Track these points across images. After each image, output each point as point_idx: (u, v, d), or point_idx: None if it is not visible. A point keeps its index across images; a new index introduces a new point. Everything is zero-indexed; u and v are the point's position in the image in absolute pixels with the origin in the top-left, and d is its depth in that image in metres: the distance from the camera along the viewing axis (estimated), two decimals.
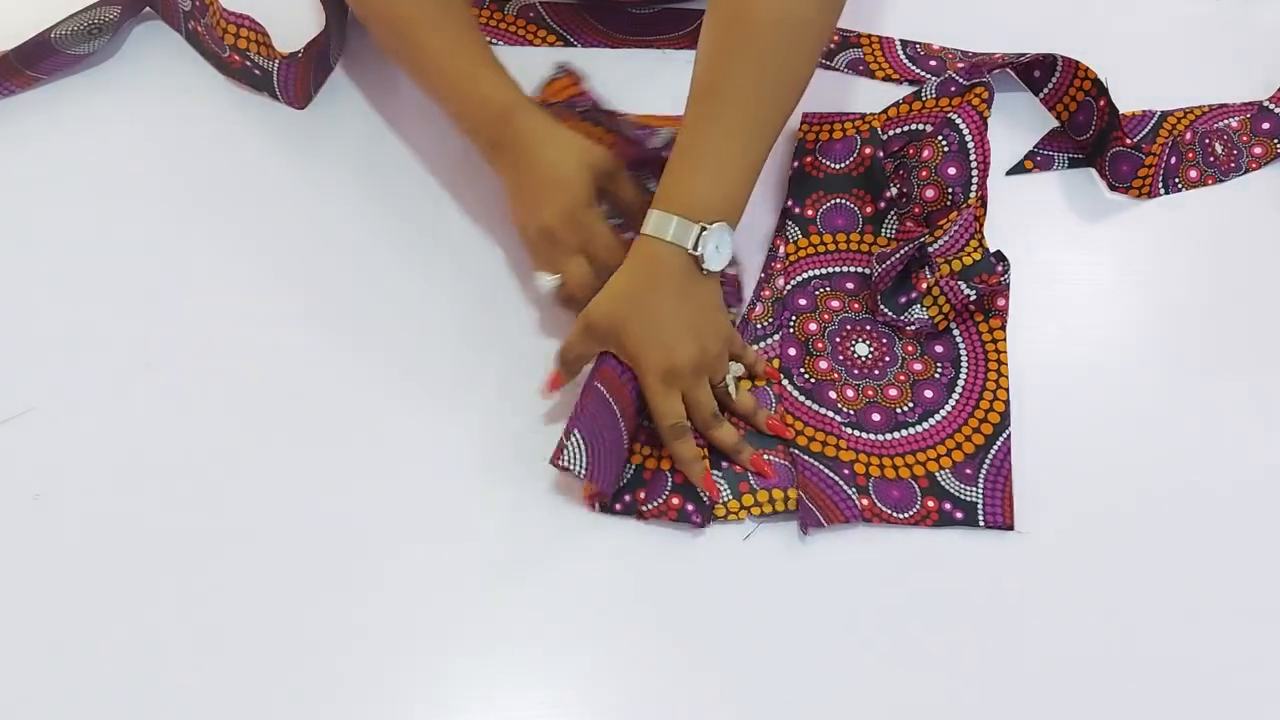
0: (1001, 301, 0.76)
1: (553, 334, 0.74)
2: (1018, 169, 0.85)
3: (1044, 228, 0.83)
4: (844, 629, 0.65)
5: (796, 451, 0.70)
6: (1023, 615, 0.67)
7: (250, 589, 0.65)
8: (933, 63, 0.90)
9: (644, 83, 0.87)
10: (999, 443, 0.71)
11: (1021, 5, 0.94)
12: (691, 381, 0.68)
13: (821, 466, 0.69)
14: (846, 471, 0.69)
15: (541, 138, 0.70)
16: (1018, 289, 0.80)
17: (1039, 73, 0.88)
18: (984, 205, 0.79)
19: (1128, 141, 0.83)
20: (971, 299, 0.74)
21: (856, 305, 0.76)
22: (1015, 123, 0.87)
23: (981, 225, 0.78)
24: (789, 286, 0.77)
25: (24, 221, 0.77)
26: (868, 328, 0.75)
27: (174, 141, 0.81)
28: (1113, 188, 0.85)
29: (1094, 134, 0.85)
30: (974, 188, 0.78)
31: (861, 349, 0.74)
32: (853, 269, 0.78)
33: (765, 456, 0.69)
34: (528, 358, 0.73)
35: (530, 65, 0.81)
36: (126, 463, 0.68)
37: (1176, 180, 0.85)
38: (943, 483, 0.70)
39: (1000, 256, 0.76)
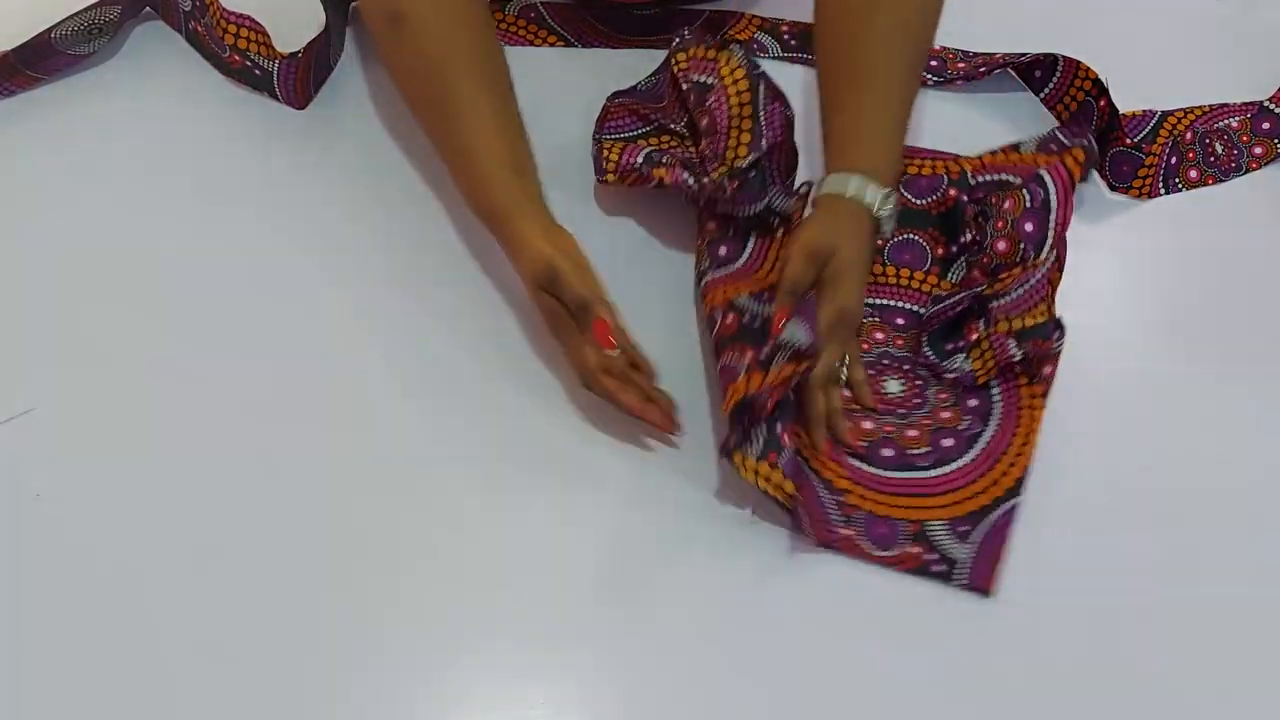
0: (1048, 369, 0.72)
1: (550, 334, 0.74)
2: None
3: None
4: (837, 640, 0.65)
5: (800, 460, 0.69)
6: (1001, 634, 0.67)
7: (251, 589, 0.65)
8: (934, 62, 0.90)
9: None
10: (1002, 509, 0.67)
11: (1022, 5, 0.94)
12: (847, 337, 0.69)
13: (817, 484, 0.69)
14: (838, 499, 0.68)
15: (511, 252, 0.71)
16: None
17: (1040, 73, 0.88)
18: (1060, 270, 0.76)
19: (1128, 141, 0.84)
20: (1016, 359, 0.71)
21: (900, 342, 0.75)
22: (1015, 123, 0.87)
23: (1054, 290, 0.75)
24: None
25: (24, 221, 0.77)
26: (905, 367, 0.74)
27: (174, 141, 0.81)
28: (1113, 188, 0.85)
29: (1094, 134, 0.85)
30: (1048, 247, 0.74)
31: (893, 386, 0.73)
32: (906, 305, 0.77)
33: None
34: (527, 357, 0.74)
35: (531, 65, 0.81)
36: (126, 463, 0.68)
37: (1176, 180, 0.85)
38: (930, 534, 0.67)
39: (1058, 324, 0.72)
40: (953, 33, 0.91)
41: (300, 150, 0.81)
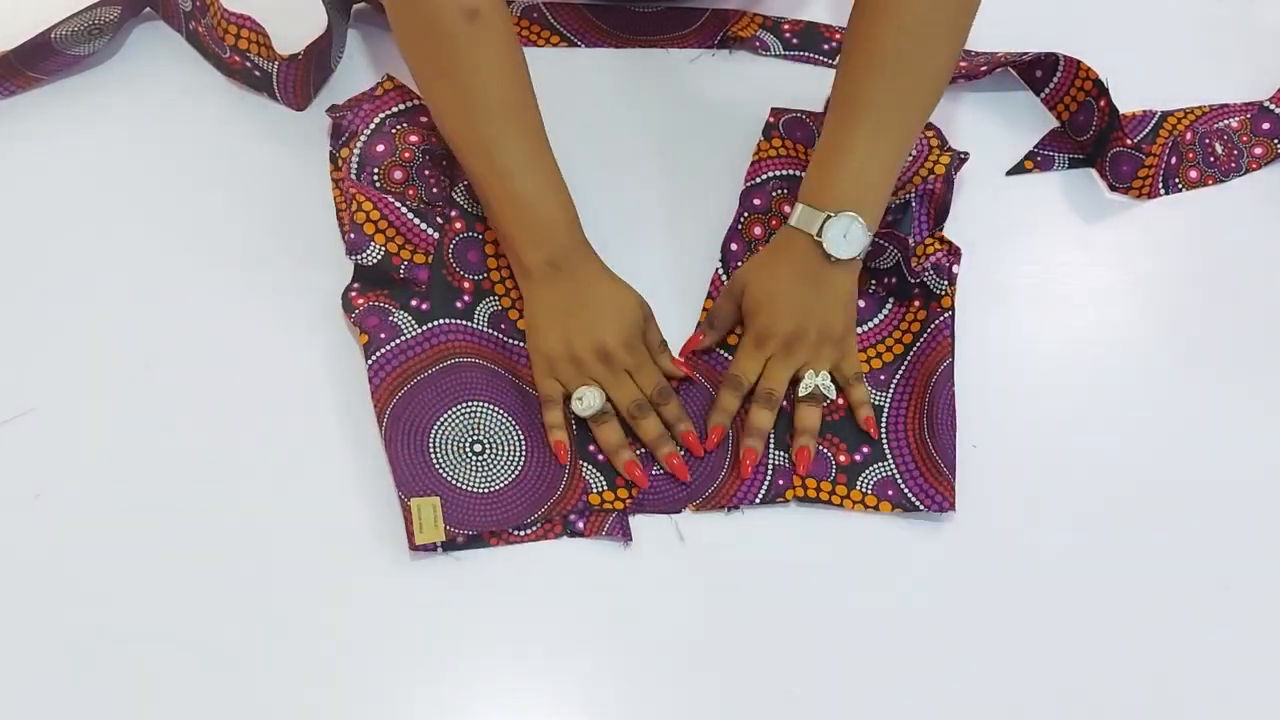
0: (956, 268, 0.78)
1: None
2: (1018, 169, 0.85)
3: (1044, 228, 0.83)
4: (836, 639, 0.65)
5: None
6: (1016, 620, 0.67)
7: (251, 588, 0.65)
8: None
9: (647, 82, 0.87)
10: (913, 351, 0.75)
11: (1023, 5, 0.94)
12: (779, 352, 0.72)
13: (724, 353, 0.75)
14: None
15: (603, 271, 0.73)
16: (1017, 288, 0.80)
17: (1040, 72, 0.88)
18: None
19: (1128, 141, 0.84)
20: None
21: None
22: (1015, 123, 0.87)
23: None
24: (748, 185, 0.81)
25: (24, 221, 0.77)
26: None
27: (174, 141, 0.81)
28: (1113, 188, 0.85)
29: (1094, 134, 0.85)
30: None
31: None
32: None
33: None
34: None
35: (534, 65, 0.80)
36: (126, 463, 0.68)
37: (1176, 180, 0.85)
38: None
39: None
40: None
41: (299, 151, 0.81)
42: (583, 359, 0.70)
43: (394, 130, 0.77)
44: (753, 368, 0.72)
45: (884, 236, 0.76)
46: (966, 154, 0.82)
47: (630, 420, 0.71)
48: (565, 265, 0.71)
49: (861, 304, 0.77)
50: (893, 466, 0.71)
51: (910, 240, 0.77)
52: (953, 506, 0.69)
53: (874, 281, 0.78)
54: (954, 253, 0.77)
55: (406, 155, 0.76)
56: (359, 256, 0.73)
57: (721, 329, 0.75)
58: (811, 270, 0.71)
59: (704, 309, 0.76)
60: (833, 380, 0.73)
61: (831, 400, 0.73)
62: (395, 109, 0.78)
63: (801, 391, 0.72)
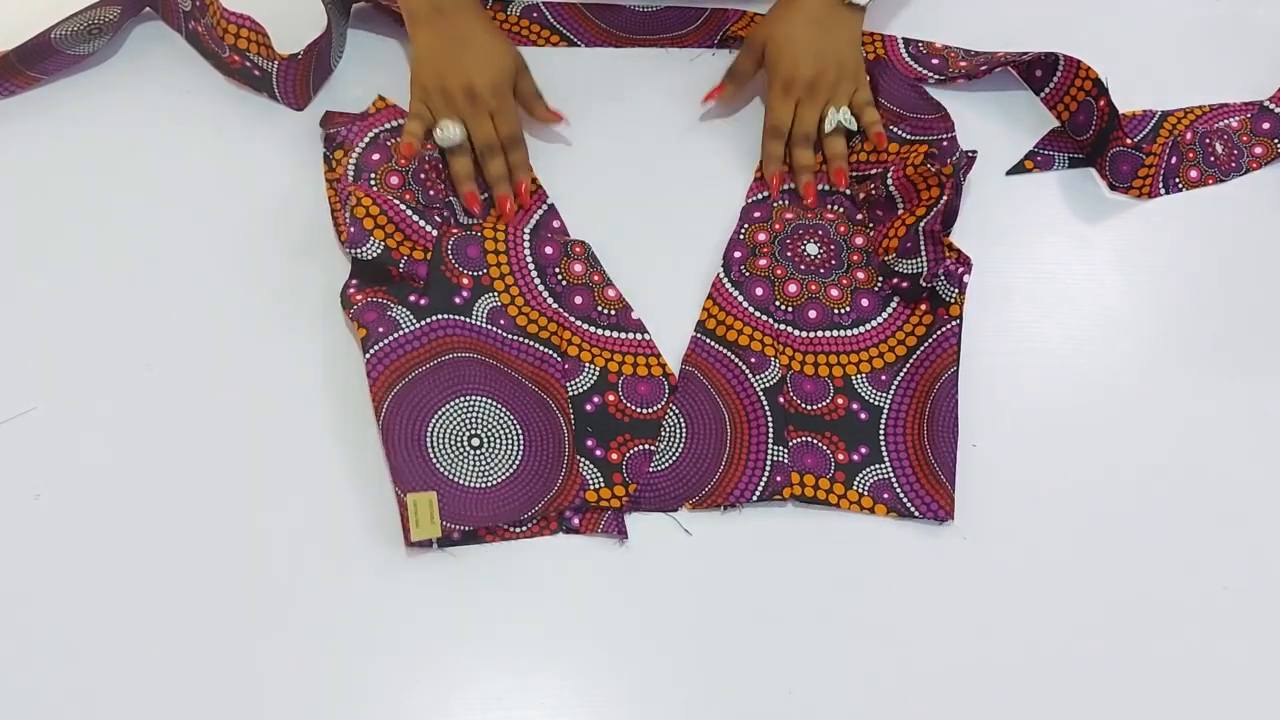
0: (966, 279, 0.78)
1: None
2: (1018, 169, 0.85)
3: (1044, 228, 0.83)
4: (839, 640, 0.66)
5: (699, 335, 0.75)
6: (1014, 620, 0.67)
7: (252, 587, 0.65)
8: (935, 61, 0.90)
9: (645, 81, 0.87)
10: (916, 354, 0.75)
11: (1023, 5, 0.94)
12: (805, 95, 0.81)
13: (724, 350, 0.75)
14: (754, 360, 0.74)
15: (482, 18, 0.79)
16: (1017, 288, 0.80)
17: (1040, 72, 0.88)
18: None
19: (1128, 141, 0.84)
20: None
21: (810, 215, 0.81)
22: (1015, 123, 0.87)
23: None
24: (749, 202, 0.82)
25: (24, 221, 0.77)
26: (819, 232, 0.80)
27: (174, 141, 0.81)
28: (1113, 188, 0.85)
29: (1094, 134, 0.85)
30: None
31: (811, 249, 0.79)
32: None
33: (641, 447, 0.71)
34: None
35: (534, 65, 0.81)
36: (126, 463, 0.68)
37: (1177, 180, 0.85)
38: (856, 386, 0.74)
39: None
40: (955, 31, 0.91)
41: (299, 151, 0.81)
42: (452, 94, 0.77)
43: (390, 143, 0.78)
44: (786, 113, 0.81)
45: (928, 243, 0.76)
46: (975, 153, 0.81)
47: (480, 157, 0.78)
48: (448, 9, 0.78)
49: (865, 302, 0.77)
50: (890, 469, 0.71)
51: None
52: (950, 516, 0.69)
53: (881, 279, 0.78)
54: (964, 261, 0.77)
55: (403, 162, 0.76)
56: (358, 251, 0.73)
57: (740, 81, 0.84)
58: (824, 14, 0.81)
59: (704, 309, 0.76)
60: (852, 112, 0.81)
61: (854, 131, 0.82)
62: (389, 125, 0.79)
63: (827, 128, 0.81)
